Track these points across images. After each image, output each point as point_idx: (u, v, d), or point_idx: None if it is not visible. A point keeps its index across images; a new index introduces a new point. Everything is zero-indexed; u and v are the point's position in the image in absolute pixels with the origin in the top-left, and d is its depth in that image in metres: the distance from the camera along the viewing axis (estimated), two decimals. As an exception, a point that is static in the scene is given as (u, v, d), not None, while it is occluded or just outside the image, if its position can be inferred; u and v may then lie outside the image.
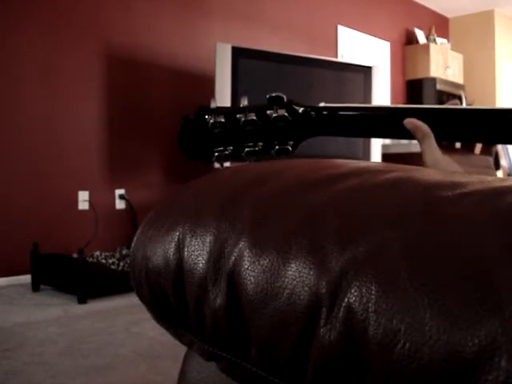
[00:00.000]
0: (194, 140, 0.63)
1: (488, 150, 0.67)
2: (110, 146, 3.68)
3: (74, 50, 3.51)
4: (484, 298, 0.23)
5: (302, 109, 0.64)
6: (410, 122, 0.63)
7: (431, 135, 0.62)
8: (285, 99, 0.63)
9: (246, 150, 0.64)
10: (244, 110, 0.63)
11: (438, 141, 0.64)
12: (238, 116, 0.63)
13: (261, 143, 0.64)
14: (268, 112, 0.63)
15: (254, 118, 0.62)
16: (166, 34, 3.99)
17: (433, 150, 0.62)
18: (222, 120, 0.62)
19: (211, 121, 0.62)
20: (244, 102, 0.63)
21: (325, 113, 0.65)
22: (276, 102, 0.63)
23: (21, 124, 3.27)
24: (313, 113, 0.64)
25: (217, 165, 0.64)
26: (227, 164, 0.65)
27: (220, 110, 0.63)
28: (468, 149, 0.66)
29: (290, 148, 0.64)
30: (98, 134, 3.62)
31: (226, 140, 0.63)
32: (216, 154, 0.63)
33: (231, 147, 0.64)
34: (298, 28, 5.04)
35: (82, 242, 3.43)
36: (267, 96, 0.63)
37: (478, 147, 0.67)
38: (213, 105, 0.63)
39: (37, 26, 3.33)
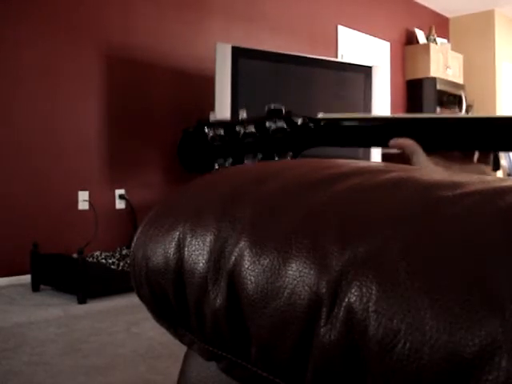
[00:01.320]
0: (194, 153, 0.64)
1: (485, 158, 0.67)
2: (110, 146, 3.69)
3: (73, 50, 3.51)
4: (484, 298, 0.23)
5: (300, 120, 0.65)
6: (395, 144, 0.64)
7: (418, 148, 0.63)
8: (283, 111, 0.64)
9: (246, 161, 0.64)
10: (243, 123, 0.63)
11: (434, 150, 0.64)
12: (237, 128, 0.63)
13: (260, 155, 0.64)
14: (267, 124, 0.64)
15: (253, 130, 0.63)
16: (166, 34, 4.00)
17: (423, 162, 0.63)
18: (222, 133, 0.63)
19: (210, 134, 0.63)
20: (243, 115, 0.64)
21: (323, 124, 0.65)
22: (275, 114, 0.63)
23: (21, 124, 3.28)
24: (311, 124, 0.65)
25: None
26: None
27: (219, 123, 0.63)
28: (466, 157, 0.67)
29: (289, 159, 0.65)
30: (98, 134, 3.63)
31: (225, 152, 0.64)
32: (216, 166, 0.64)
33: (231, 159, 0.64)
34: (298, 28, 5.04)
35: (82, 242, 3.43)
36: (266, 108, 0.63)
37: (476, 156, 0.67)
38: (212, 117, 0.64)
39: (37, 26, 3.33)
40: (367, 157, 4.15)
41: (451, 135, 0.64)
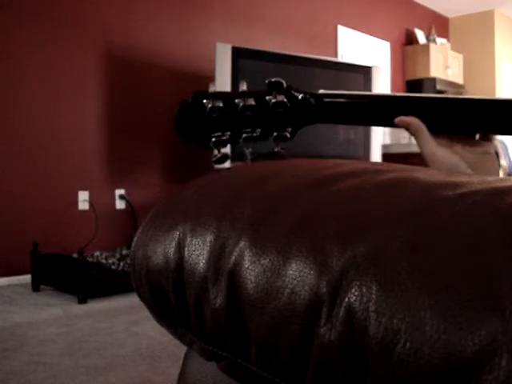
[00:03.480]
0: (192, 124, 0.62)
1: (487, 136, 0.66)
2: (110, 146, 3.69)
3: (74, 49, 3.51)
4: (484, 298, 0.23)
5: (301, 95, 0.63)
6: (400, 120, 0.63)
7: (424, 128, 0.63)
8: (284, 85, 0.62)
9: (244, 135, 0.62)
10: (243, 95, 0.61)
11: (436, 131, 0.64)
12: (236, 101, 0.61)
13: (259, 129, 0.63)
14: (267, 98, 0.62)
15: (253, 103, 0.61)
16: (166, 34, 4.00)
17: (428, 142, 0.62)
18: (220, 105, 0.61)
19: (209, 105, 0.61)
20: (243, 87, 0.62)
21: (324, 100, 0.64)
22: (275, 88, 0.62)
23: (21, 124, 3.28)
24: (312, 100, 0.63)
25: (215, 151, 0.63)
26: (225, 150, 0.63)
27: (218, 95, 0.61)
28: (469, 138, 0.66)
29: (288, 135, 0.63)
30: (97, 134, 3.63)
31: (223, 125, 0.62)
32: (213, 139, 0.62)
33: (229, 132, 0.62)
34: (298, 28, 5.04)
35: (82, 242, 3.43)
36: (266, 81, 0.62)
37: (478, 137, 0.67)
38: (211, 89, 0.62)
39: (37, 26, 3.33)
40: (367, 157, 4.15)
41: (455, 116, 0.63)
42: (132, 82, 3.81)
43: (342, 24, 5.54)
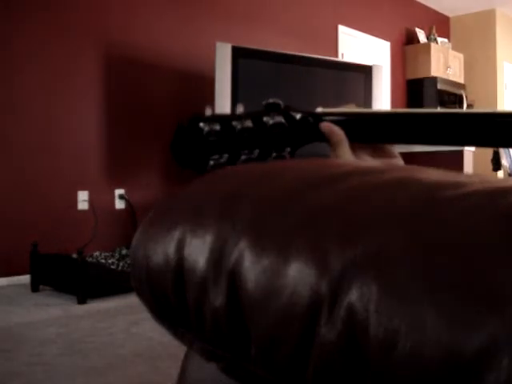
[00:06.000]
0: (188, 148, 0.62)
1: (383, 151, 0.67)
2: (110, 146, 3.69)
3: (73, 49, 3.51)
4: (485, 298, 0.23)
5: (299, 115, 0.63)
6: (326, 126, 0.62)
7: (346, 140, 0.62)
8: (282, 105, 0.63)
9: (243, 157, 0.63)
10: (240, 117, 0.62)
11: (440, 145, 0.64)
12: (233, 123, 0.62)
13: (257, 150, 0.63)
14: (265, 119, 0.62)
15: (251, 125, 0.61)
16: (166, 34, 4.00)
17: (347, 155, 0.62)
18: (217, 128, 0.61)
19: (206, 128, 0.61)
20: (239, 109, 0.62)
21: (323, 118, 0.64)
22: (273, 109, 0.62)
23: (20, 124, 3.28)
24: (310, 119, 0.64)
25: None
26: None
27: (215, 118, 0.62)
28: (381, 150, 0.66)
29: (287, 155, 0.63)
30: (97, 134, 3.63)
31: (221, 148, 0.62)
32: (211, 162, 0.62)
33: (227, 155, 0.63)
34: (299, 28, 5.04)
35: (81, 242, 3.43)
36: (263, 103, 0.62)
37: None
38: (207, 112, 0.62)
39: (36, 26, 3.33)
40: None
41: (452, 130, 0.63)
42: (132, 81, 3.81)
43: (342, 24, 5.54)
